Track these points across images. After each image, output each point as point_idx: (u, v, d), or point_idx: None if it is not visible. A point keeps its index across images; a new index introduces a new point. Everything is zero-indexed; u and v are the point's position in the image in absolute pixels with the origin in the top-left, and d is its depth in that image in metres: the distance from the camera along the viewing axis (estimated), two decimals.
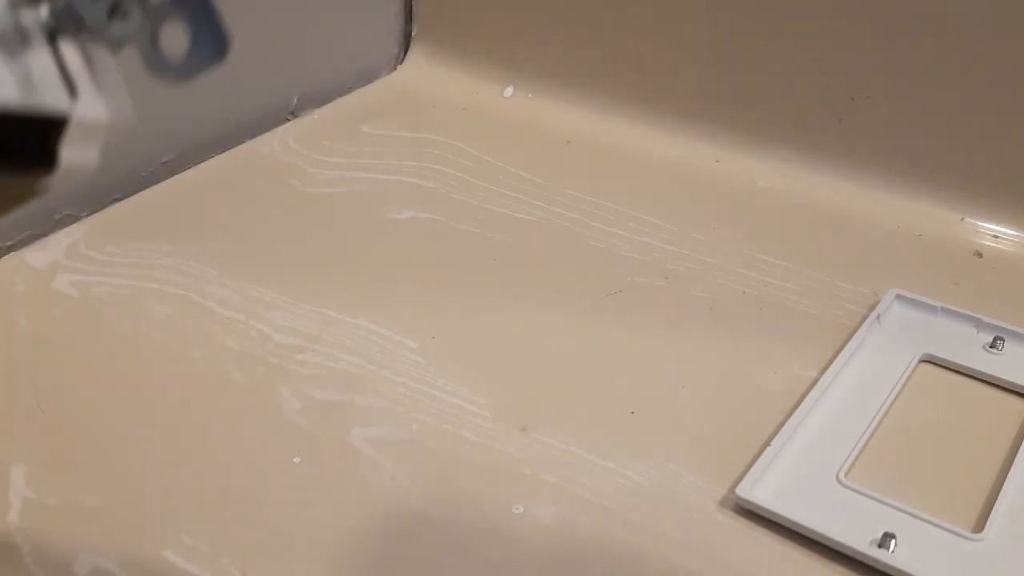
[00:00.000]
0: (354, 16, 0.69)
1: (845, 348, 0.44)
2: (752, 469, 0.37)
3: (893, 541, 0.35)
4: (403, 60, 0.72)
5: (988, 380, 0.44)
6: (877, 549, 0.35)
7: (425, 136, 0.65)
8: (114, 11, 0.22)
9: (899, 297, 0.48)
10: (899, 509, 0.36)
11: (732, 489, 0.37)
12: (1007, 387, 0.43)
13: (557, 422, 0.41)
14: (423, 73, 0.69)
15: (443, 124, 0.65)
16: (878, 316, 0.46)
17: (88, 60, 0.23)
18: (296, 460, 0.39)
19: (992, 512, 0.37)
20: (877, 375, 0.43)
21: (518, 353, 0.45)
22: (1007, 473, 0.38)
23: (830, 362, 0.44)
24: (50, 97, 0.21)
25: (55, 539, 0.35)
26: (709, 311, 0.48)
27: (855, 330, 0.46)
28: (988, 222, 0.55)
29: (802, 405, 0.41)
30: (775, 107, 0.60)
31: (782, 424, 0.40)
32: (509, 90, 0.68)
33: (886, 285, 0.49)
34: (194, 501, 0.37)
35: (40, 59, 0.22)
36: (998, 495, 0.37)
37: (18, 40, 0.21)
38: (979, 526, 0.36)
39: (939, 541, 0.35)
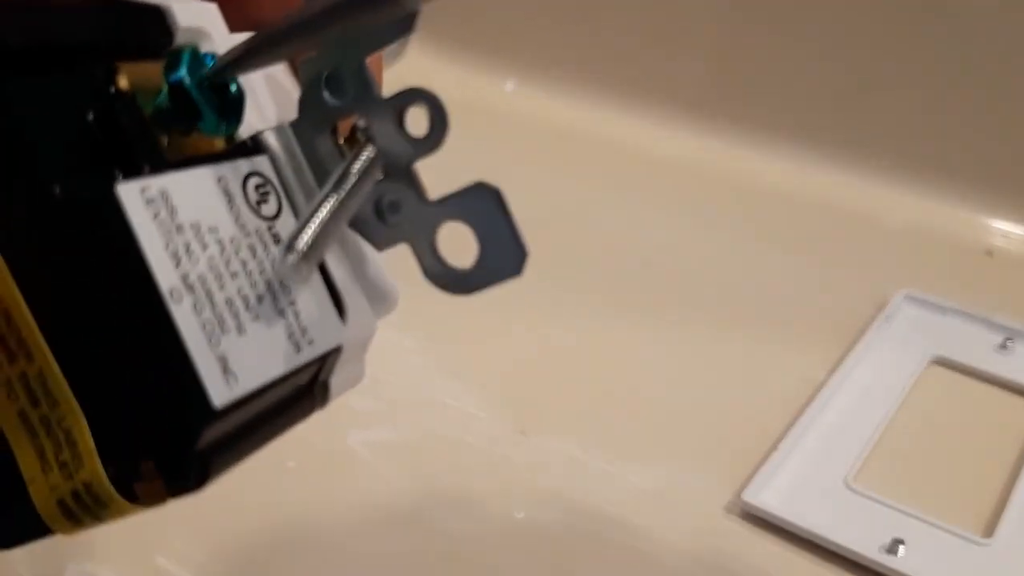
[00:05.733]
0: None
1: (854, 349, 0.44)
2: (759, 473, 0.37)
3: (902, 547, 0.34)
4: (402, 55, 0.71)
5: (998, 382, 0.43)
6: (886, 555, 0.34)
7: None
8: (382, 212, 0.18)
9: (909, 297, 0.47)
10: (908, 514, 0.36)
11: (738, 494, 0.36)
12: (1018, 389, 0.43)
13: (558, 425, 0.40)
14: (422, 67, 0.68)
15: None
16: (887, 316, 0.46)
17: (352, 265, 0.18)
18: (291, 464, 0.38)
19: (1002, 517, 0.36)
20: (886, 377, 0.43)
21: (518, 354, 0.44)
22: (1017, 477, 0.38)
23: (838, 363, 0.43)
24: (322, 339, 0.17)
25: (46, 544, 0.35)
26: (714, 311, 0.48)
27: (864, 331, 0.45)
28: (999, 221, 0.54)
29: (810, 408, 0.40)
30: (782, 102, 0.59)
31: (789, 427, 0.39)
32: (510, 84, 0.67)
33: (895, 285, 0.48)
34: (187, 506, 0.36)
35: (309, 296, 0.17)
36: (1008, 499, 0.37)
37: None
38: (989, 531, 0.36)
39: (948, 547, 0.35)
